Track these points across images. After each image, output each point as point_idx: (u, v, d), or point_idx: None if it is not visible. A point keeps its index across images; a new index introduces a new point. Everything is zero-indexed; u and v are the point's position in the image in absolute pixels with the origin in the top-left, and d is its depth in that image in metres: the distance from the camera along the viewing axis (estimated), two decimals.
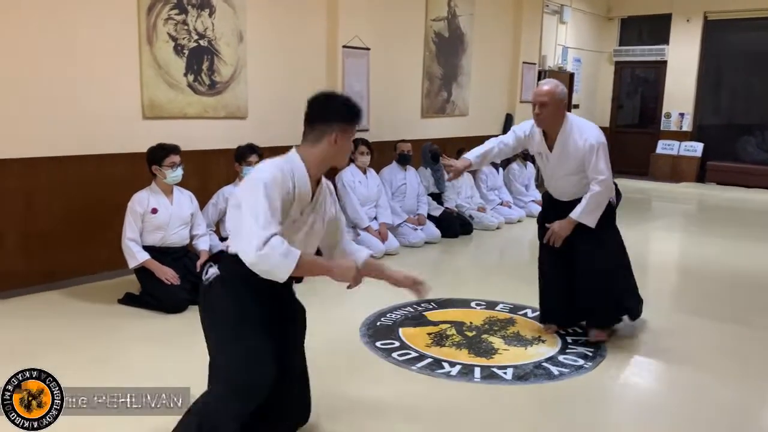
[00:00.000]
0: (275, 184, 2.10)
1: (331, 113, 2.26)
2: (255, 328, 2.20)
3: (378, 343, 3.55)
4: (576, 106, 11.44)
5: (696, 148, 11.37)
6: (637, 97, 12.74)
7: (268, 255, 2.03)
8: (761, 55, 11.14)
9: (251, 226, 2.05)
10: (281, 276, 2.08)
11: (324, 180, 2.37)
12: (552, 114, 3.38)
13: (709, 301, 4.55)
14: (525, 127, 3.64)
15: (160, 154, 4.10)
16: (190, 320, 3.86)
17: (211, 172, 5.28)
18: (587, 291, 3.52)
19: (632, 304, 3.75)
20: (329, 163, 2.31)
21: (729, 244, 6.40)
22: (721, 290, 4.84)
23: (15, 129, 4.20)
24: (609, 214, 3.54)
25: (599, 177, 3.35)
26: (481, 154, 3.73)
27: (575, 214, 3.40)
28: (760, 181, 10.64)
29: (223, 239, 4.65)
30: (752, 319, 4.17)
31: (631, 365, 3.39)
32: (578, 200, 3.44)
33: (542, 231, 3.65)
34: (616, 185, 3.60)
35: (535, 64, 9.58)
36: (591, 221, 3.40)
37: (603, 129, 11.73)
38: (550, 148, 3.48)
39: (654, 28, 11.86)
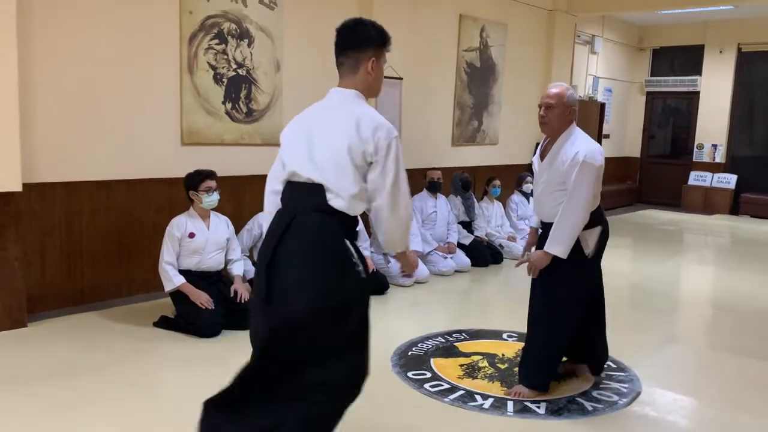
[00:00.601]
0: None
1: (362, 38, 2.24)
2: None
3: (410, 374, 3.55)
4: (606, 136, 11.41)
5: (729, 180, 11.22)
6: (668, 127, 12.64)
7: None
8: None
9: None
10: None
11: None
12: (558, 118, 3.12)
13: (744, 338, 4.46)
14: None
15: (196, 179, 4.19)
16: (224, 345, 3.93)
17: (245, 197, 5.38)
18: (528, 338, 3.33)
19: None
20: (366, 94, 2.27)
21: (764, 279, 6.28)
22: (756, 326, 4.75)
23: (62, 154, 4.34)
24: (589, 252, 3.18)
25: (574, 193, 3.02)
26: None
27: (547, 243, 3.10)
28: None
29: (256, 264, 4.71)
30: None
31: (665, 403, 3.34)
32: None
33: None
34: (605, 224, 3.25)
35: None
36: (559, 250, 3.05)
37: (634, 159, 11.71)
38: (544, 157, 3.23)
39: (686, 59, 11.82)
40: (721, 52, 11.21)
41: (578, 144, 3.09)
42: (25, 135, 4.06)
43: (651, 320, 4.78)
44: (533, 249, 3.37)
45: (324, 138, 2.21)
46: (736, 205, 11.10)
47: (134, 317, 4.34)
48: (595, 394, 3.36)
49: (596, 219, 3.15)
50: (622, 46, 11.82)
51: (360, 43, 2.23)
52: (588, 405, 3.22)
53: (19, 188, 3.95)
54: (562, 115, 3.13)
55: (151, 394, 3.21)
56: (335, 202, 2.17)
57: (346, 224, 2.22)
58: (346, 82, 2.29)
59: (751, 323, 4.83)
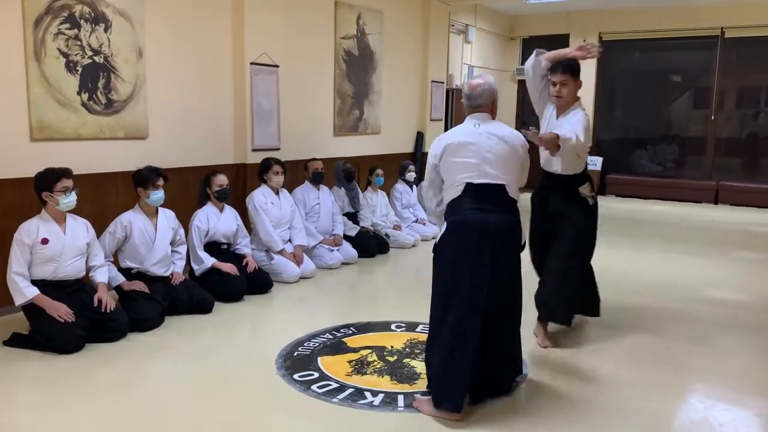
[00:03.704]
0: None
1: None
2: None
3: (296, 376, 3.36)
4: None
5: (596, 162, 11.90)
6: None
7: None
8: (651, 73, 11.91)
9: None
10: None
11: None
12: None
13: (620, 314, 4.66)
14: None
15: (50, 178, 3.75)
16: (87, 360, 3.55)
17: (108, 197, 4.93)
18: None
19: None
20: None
21: (633, 255, 6.66)
22: (624, 300, 4.98)
23: None
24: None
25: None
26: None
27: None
28: (655, 192, 11.29)
29: (121, 270, 4.31)
30: (655, 326, 4.31)
31: (552, 382, 3.38)
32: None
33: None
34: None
35: (443, 82, 9.72)
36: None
37: None
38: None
39: (553, 48, 12.29)
40: (584, 40, 11.81)
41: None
42: None
43: None
44: None
45: None
46: (603, 185, 11.80)
47: None
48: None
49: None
50: (495, 36, 12.18)
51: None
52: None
53: None
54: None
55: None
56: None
57: None
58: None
59: (620, 297, 5.07)
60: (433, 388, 2.93)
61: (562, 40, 12.07)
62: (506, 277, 2.98)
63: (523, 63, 12.49)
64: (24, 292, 3.63)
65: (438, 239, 3.02)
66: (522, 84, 12.68)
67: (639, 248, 7.05)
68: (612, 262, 5.94)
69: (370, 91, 8.09)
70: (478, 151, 3.00)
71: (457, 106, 10.31)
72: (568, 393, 3.22)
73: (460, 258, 2.90)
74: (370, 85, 8.07)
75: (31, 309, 3.70)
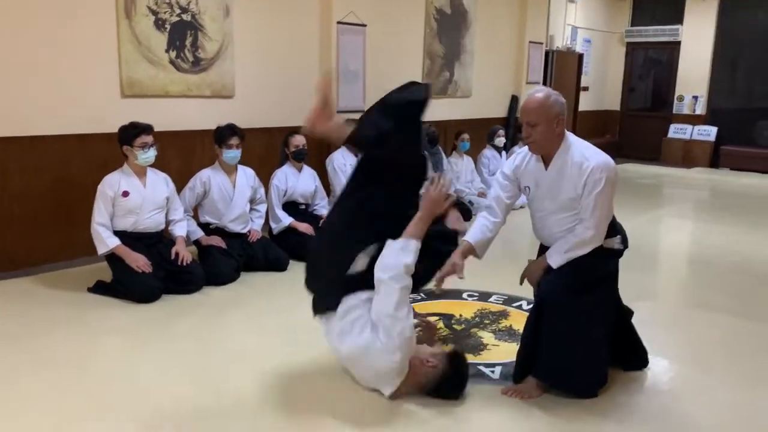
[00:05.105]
0: None
1: None
2: None
3: None
4: (585, 89, 11.09)
5: (710, 132, 10.98)
6: (649, 79, 12.32)
7: None
8: None
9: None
10: None
11: None
12: (545, 136, 2.63)
13: (717, 294, 4.26)
14: (514, 160, 2.87)
15: (131, 133, 3.84)
16: (163, 310, 3.66)
17: (195, 153, 5.04)
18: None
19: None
20: None
21: (741, 232, 6.08)
22: (731, 281, 4.55)
23: None
24: (601, 263, 2.75)
25: (589, 221, 2.61)
26: (481, 237, 2.84)
27: (550, 255, 2.72)
28: None
29: (201, 225, 4.41)
30: (759, 311, 3.89)
31: None
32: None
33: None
34: (623, 231, 2.84)
35: (542, 43, 9.23)
36: (554, 261, 2.70)
37: (613, 112, 11.47)
38: (546, 166, 2.72)
39: (667, 7, 11.42)
40: None
41: (586, 157, 2.62)
42: None
43: (623, 276, 4.56)
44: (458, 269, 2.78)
45: None
46: (716, 157, 10.89)
47: (70, 283, 4.04)
48: None
49: (614, 228, 2.75)
50: None
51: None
52: None
53: None
54: (549, 130, 2.61)
55: (70, 369, 2.91)
56: None
57: None
58: None
59: (727, 278, 4.64)
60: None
61: None
62: None
63: (633, 24, 11.74)
64: (106, 242, 3.78)
65: None
66: (632, 46, 11.89)
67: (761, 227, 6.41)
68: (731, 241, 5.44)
69: (462, 51, 7.80)
70: None
71: (557, 69, 9.78)
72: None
73: None
74: (462, 46, 7.78)
75: (112, 259, 3.85)
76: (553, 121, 2.61)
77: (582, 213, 2.63)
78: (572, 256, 2.66)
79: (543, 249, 2.90)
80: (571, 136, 2.71)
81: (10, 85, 4.09)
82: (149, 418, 2.48)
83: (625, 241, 2.83)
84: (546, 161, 2.72)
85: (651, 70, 12.27)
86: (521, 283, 2.91)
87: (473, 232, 2.85)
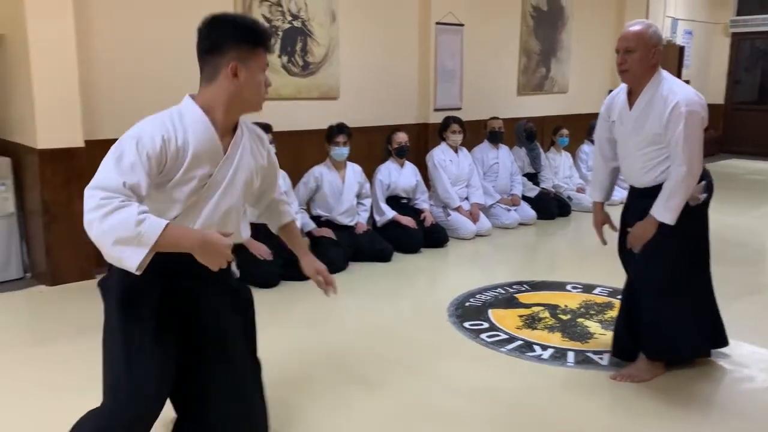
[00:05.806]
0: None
1: (221, 38, 1.78)
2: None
3: (466, 324, 3.46)
4: (686, 82, 10.70)
5: None
6: (757, 71, 11.72)
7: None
8: None
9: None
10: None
11: (245, 126, 1.88)
12: (640, 63, 2.65)
13: None
14: (605, 102, 2.95)
15: None
16: (282, 294, 3.97)
17: (304, 152, 5.35)
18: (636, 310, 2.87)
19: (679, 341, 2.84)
20: (238, 104, 1.80)
21: None
22: None
23: (121, 110, 4.40)
24: (688, 215, 2.68)
25: (680, 157, 2.58)
26: (602, 186, 3.05)
27: (655, 209, 2.67)
28: None
29: (313, 217, 4.71)
30: None
31: (742, 355, 3.10)
32: (659, 188, 2.68)
33: (622, 237, 2.94)
34: (708, 176, 2.81)
35: None
36: (668, 217, 2.63)
37: (716, 106, 10.94)
38: (631, 106, 2.76)
39: None
40: None
41: (675, 89, 2.64)
42: (86, 92, 4.13)
43: (729, 272, 4.48)
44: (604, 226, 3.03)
45: None
46: None
47: None
48: None
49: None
50: None
51: (219, 44, 1.83)
52: None
53: (81, 144, 4.05)
54: (645, 58, 2.65)
55: None
56: None
57: None
58: (201, 92, 1.91)
59: None
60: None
61: None
62: None
63: (738, 13, 11.21)
64: None
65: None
66: (737, 37, 11.36)
67: None
68: None
69: (559, 47, 7.78)
70: None
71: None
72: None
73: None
74: (558, 42, 7.76)
75: (237, 247, 4.18)
76: (651, 50, 2.66)
77: (671, 151, 2.63)
78: (675, 204, 2.62)
79: (632, 191, 2.91)
80: (664, 72, 2.74)
81: (144, 89, 4.50)
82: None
83: (710, 187, 2.80)
84: (632, 98, 2.75)
85: (759, 62, 11.67)
86: (628, 248, 2.85)
87: (595, 192, 3.07)
